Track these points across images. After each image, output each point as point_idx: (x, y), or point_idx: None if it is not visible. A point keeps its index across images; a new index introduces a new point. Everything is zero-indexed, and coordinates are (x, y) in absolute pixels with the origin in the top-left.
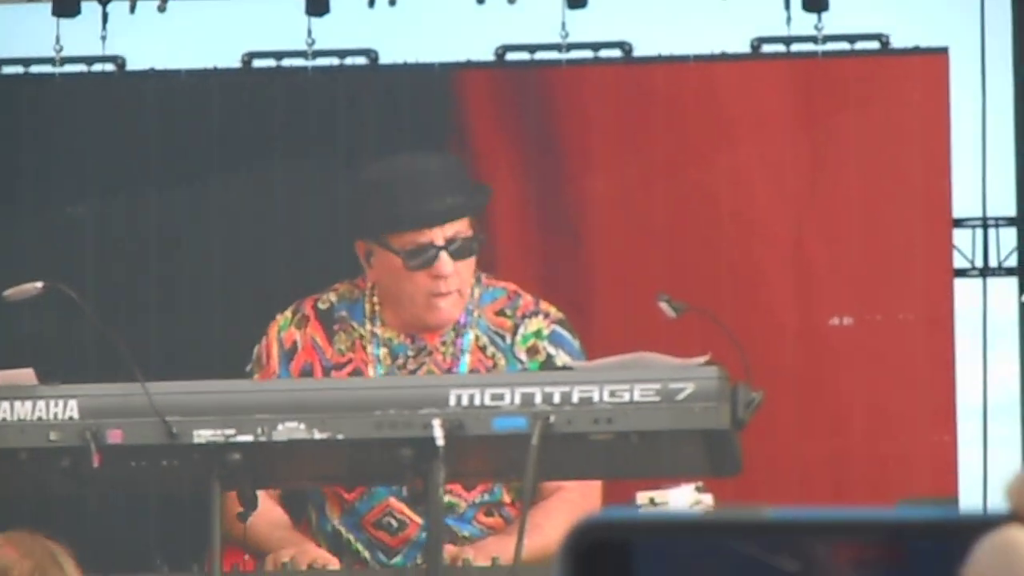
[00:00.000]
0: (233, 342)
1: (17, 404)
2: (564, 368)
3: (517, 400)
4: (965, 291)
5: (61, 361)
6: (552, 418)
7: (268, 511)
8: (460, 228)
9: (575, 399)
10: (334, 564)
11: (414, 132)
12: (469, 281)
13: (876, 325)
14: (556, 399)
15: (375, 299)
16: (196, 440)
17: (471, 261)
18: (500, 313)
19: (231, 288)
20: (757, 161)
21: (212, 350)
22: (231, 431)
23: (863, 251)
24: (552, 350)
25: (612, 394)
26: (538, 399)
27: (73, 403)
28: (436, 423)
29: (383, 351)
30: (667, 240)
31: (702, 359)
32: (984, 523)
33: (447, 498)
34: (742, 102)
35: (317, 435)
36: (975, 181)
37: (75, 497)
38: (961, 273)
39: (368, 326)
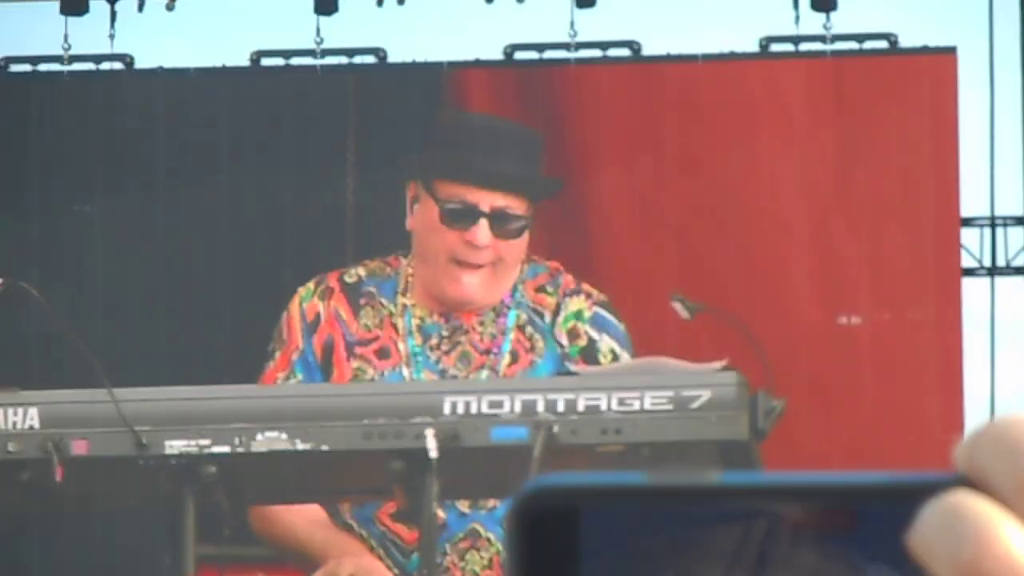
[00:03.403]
0: (243, 340)
1: None
2: (568, 373)
3: (517, 408)
4: (973, 290)
5: (19, 365)
6: (556, 428)
7: (305, 507)
8: (512, 204)
9: (581, 407)
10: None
11: (423, 131)
12: (512, 263)
13: (885, 324)
14: (560, 407)
15: (410, 269)
16: (168, 451)
17: (518, 243)
18: (540, 290)
19: (240, 285)
20: (767, 161)
21: (222, 349)
22: (206, 441)
23: (872, 251)
24: (595, 334)
25: (621, 402)
26: (540, 407)
27: (33, 411)
28: (429, 433)
29: (415, 323)
30: (679, 239)
31: (719, 364)
32: (933, 486)
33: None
34: (752, 102)
35: (300, 446)
36: (983, 180)
37: (46, 513)
38: (969, 272)
39: (400, 300)
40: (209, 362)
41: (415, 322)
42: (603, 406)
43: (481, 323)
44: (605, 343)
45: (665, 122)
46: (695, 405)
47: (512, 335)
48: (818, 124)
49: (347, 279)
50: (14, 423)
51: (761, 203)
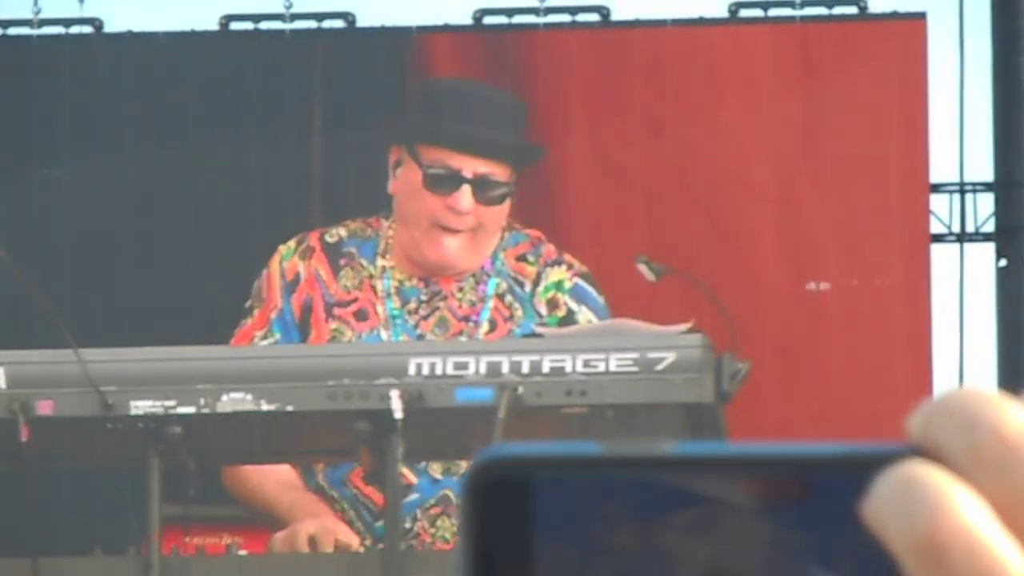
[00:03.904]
0: (210, 301)
1: None
2: (533, 335)
3: (482, 369)
4: (942, 256)
5: None
6: (520, 389)
7: (276, 468)
8: (495, 171)
9: (545, 369)
10: (355, 543)
11: (390, 94)
12: (493, 229)
13: (853, 290)
14: (525, 369)
15: (391, 232)
16: (133, 411)
17: (499, 209)
18: (521, 259)
19: (208, 248)
20: (737, 124)
21: (189, 311)
22: (171, 402)
23: (840, 216)
24: (574, 305)
25: (586, 364)
26: (505, 368)
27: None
28: (394, 394)
29: (394, 286)
30: (647, 202)
31: (684, 326)
32: (887, 457)
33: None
34: (720, 66)
35: (265, 407)
36: (952, 147)
37: (12, 473)
38: (938, 239)
39: (379, 262)
40: (176, 323)
41: (394, 284)
42: (568, 368)
43: (460, 289)
44: (584, 314)
45: (633, 87)
46: (660, 367)
47: (491, 303)
48: (786, 89)
49: (328, 239)
50: None
51: (728, 167)
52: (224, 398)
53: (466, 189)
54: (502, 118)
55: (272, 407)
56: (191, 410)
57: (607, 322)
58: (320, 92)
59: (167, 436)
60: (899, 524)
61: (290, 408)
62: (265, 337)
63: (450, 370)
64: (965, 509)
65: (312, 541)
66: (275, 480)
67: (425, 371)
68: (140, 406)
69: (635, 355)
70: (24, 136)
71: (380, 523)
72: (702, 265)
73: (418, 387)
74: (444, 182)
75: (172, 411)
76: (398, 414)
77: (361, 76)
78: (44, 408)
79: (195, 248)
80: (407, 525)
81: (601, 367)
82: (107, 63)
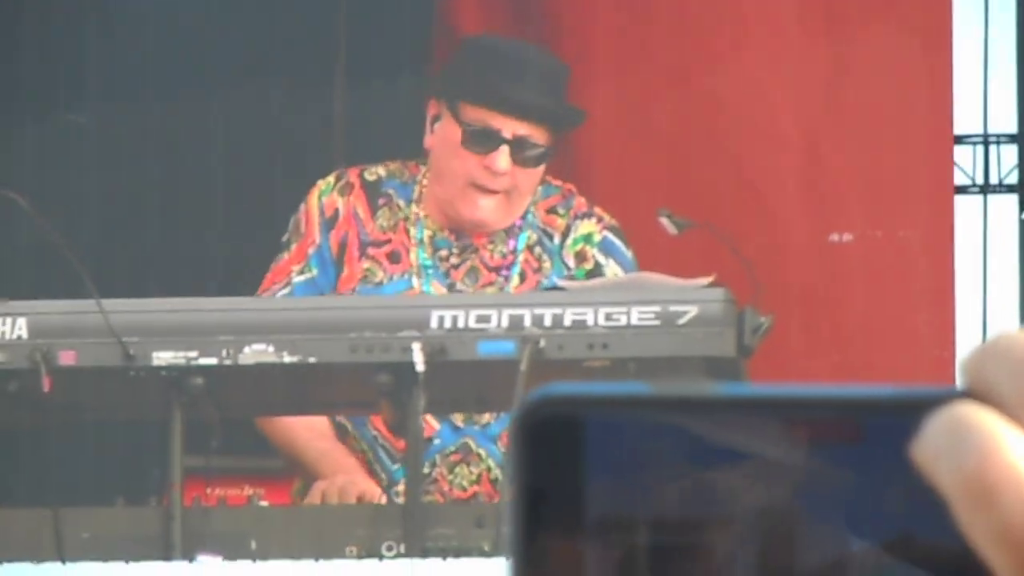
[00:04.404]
0: (235, 251)
1: None
2: (555, 288)
3: (504, 322)
4: (965, 208)
5: (9, 276)
6: (542, 342)
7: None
8: (534, 133)
9: (567, 322)
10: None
11: (414, 44)
12: (527, 191)
13: (876, 242)
14: (547, 322)
15: (425, 181)
16: (155, 363)
17: (534, 172)
18: (552, 211)
19: (232, 196)
20: (763, 72)
21: (214, 260)
22: (193, 353)
23: (863, 168)
24: (602, 258)
25: (608, 317)
26: (527, 321)
27: (22, 321)
28: (416, 347)
29: (427, 234)
30: (669, 154)
31: (706, 280)
32: (938, 399)
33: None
34: (747, 13)
35: (287, 359)
36: (976, 98)
37: (35, 424)
38: (961, 190)
39: (414, 208)
40: (200, 274)
41: (427, 233)
42: (590, 321)
43: (492, 242)
44: (611, 268)
45: (657, 37)
46: (682, 321)
47: (522, 256)
48: (810, 39)
49: (367, 176)
50: (2, 333)
51: (752, 119)
52: (246, 349)
53: (504, 150)
54: (544, 81)
55: (294, 359)
56: (213, 361)
57: (629, 275)
58: (344, 39)
59: (189, 387)
60: (949, 464)
61: (312, 360)
62: (302, 272)
63: (472, 323)
64: (1015, 449)
65: (339, 494)
66: (306, 427)
67: (448, 324)
68: (162, 357)
69: (657, 308)
70: (50, 83)
71: (398, 466)
72: (725, 218)
73: (440, 340)
74: (483, 141)
75: (194, 362)
76: (420, 367)
77: (386, 24)
78: (66, 359)
79: (221, 198)
80: (426, 470)
81: (623, 320)
82: (131, 8)
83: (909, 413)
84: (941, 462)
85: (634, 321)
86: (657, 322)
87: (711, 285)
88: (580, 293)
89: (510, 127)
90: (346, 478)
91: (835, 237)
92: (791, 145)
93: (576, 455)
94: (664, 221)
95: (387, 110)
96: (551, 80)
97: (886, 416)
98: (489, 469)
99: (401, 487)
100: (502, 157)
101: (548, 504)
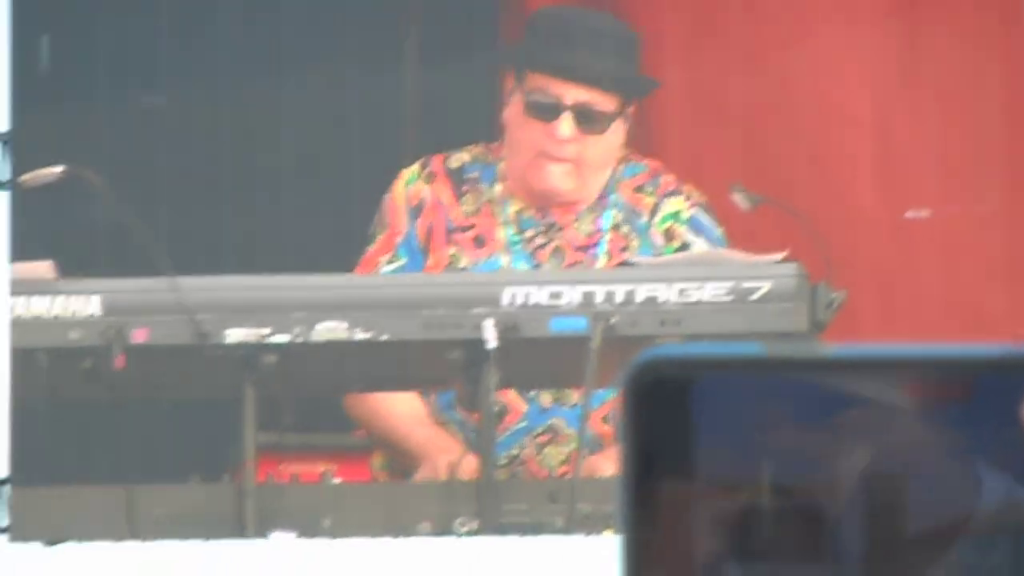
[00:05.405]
0: (314, 230)
1: (34, 300)
2: (627, 264)
3: (577, 299)
4: None
5: (83, 253)
6: (614, 319)
7: (406, 399)
8: (599, 100)
9: (639, 299)
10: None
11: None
12: (599, 160)
13: (951, 218)
14: (619, 298)
15: (504, 159)
16: (228, 340)
17: (603, 139)
18: (639, 190)
19: (304, 177)
20: (836, 47)
21: (287, 240)
22: (266, 330)
23: (938, 144)
24: (691, 236)
25: (680, 293)
26: (599, 298)
27: (95, 299)
28: (488, 324)
29: (511, 211)
30: (743, 130)
31: (779, 256)
32: None
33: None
34: None
35: (359, 335)
36: None
37: (109, 401)
38: None
39: (498, 187)
40: (274, 253)
41: (512, 209)
42: (662, 297)
43: (576, 221)
44: (700, 246)
45: (730, 14)
46: (755, 297)
47: (608, 236)
48: (883, 14)
49: (451, 164)
50: (75, 311)
51: (825, 94)
52: (319, 326)
53: (567, 116)
54: (610, 47)
55: (367, 336)
56: (286, 338)
57: (700, 252)
58: (418, 19)
59: (261, 364)
60: None
61: (385, 337)
62: (391, 261)
63: (544, 300)
64: None
65: (450, 468)
66: (405, 411)
67: (519, 301)
68: (234, 334)
69: (730, 284)
70: (124, 64)
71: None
72: (798, 194)
73: (512, 317)
74: (545, 109)
75: (267, 339)
76: (492, 343)
77: (458, 3)
78: (139, 336)
79: (291, 177)
80: (514, 452)
81: (695, 296)
82: None
83: (1018, 372)
84: None
85: (707, 297)
86: (730, 298)
87: (784, 260)
88: (652, 269)
89: (572, 94)
90: (457, 455)
91: (910, 213)
92: (864, 120)
93: (687, 416)
94: (737, 196)
95: (463, 90)
96: (618, 46)
97: (996, 375)
98: (577, 449)
99: (503, 463)
100: (564, 123)
101: (658, 464)
